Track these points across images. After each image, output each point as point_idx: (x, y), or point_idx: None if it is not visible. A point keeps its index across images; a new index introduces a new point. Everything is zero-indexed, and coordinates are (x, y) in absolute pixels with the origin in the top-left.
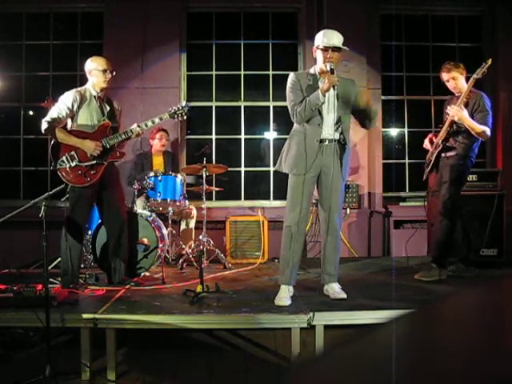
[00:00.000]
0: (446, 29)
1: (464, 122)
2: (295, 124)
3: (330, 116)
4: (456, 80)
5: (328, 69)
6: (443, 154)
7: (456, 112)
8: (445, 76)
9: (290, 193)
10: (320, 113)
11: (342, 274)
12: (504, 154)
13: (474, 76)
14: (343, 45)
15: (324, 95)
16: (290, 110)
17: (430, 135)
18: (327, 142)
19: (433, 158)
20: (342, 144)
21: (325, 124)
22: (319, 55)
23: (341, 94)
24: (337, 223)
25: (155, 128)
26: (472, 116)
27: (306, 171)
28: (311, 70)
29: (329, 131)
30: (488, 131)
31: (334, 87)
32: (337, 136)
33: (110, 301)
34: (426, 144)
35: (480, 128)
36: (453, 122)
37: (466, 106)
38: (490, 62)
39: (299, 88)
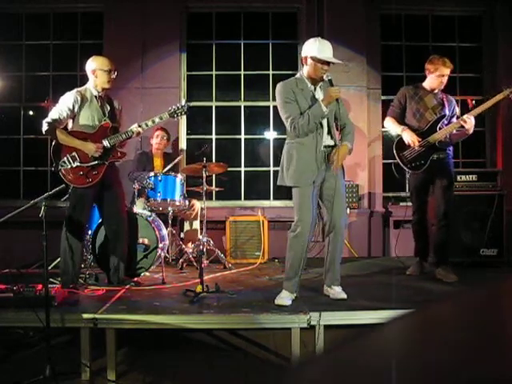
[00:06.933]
0: (446, 29)
1: (468, 132)
2: (291, 135)
3: (325, 124)
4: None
5: (327, 80)
6: (435, 156)
7: (472, 125)
8: (446, 71)
9: (300, 204)
10: (320, 122)
11: (342, 274)
12: (504, 154)
13: (507, 92)
14: (335, 51)
15: (326, 107)
16: (287, 122)
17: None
18: (328, 148)
19: (428, 160)
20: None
21: (324, 132)
22: (311, 64)
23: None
24: (343, 227)
25: (155, 127)
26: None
27: (312, 182)
28: (298, 76)
29: (328, 138)
30: None
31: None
32: (333, 142)
33: (110, 301)
34: (414, 142)
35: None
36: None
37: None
38: None
39: (294, 99)
